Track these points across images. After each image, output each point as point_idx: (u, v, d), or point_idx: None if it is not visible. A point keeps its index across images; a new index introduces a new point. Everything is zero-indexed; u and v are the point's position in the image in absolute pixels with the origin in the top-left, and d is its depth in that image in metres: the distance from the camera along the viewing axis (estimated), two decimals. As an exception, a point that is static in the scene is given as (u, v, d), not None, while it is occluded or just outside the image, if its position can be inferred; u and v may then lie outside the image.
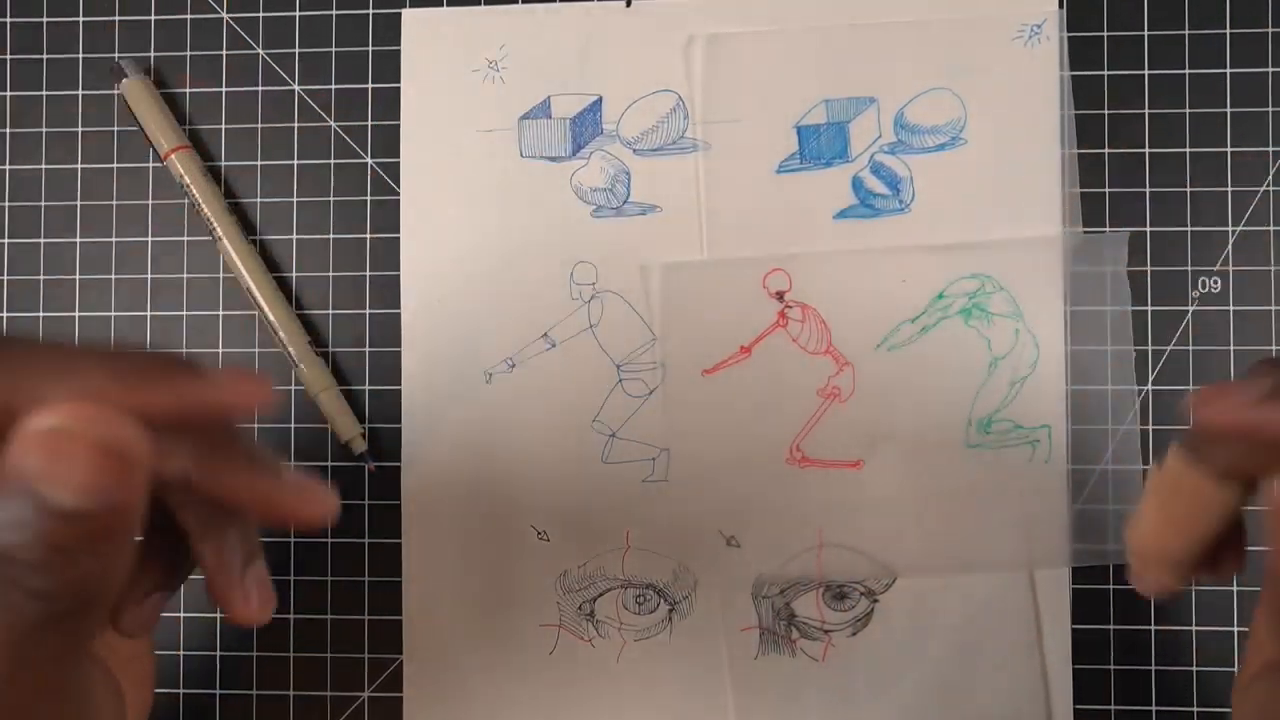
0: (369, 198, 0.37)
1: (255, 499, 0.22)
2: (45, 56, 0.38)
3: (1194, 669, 0.35)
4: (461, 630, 0.36)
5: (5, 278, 0.38)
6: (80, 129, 0.38)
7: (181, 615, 0.37)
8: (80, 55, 0.38)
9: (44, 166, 0.38)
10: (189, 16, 0.38)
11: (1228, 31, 0.36)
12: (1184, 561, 0.25)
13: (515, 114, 0.37)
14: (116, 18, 0.38)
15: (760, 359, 0.36)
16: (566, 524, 0.36)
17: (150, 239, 0.38)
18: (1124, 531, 0.26)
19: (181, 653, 0.37)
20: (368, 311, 0.37)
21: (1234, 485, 0.23)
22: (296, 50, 0.38)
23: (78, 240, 0.38)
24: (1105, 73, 0.36)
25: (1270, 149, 0.36)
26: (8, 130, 0.38)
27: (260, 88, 0.38)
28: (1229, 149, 0.36)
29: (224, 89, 0.38)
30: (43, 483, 0.17)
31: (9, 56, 0.38)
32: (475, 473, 0.36)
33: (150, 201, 0.38)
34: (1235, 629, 0.35)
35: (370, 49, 0.38)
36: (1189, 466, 0.24)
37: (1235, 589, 0.35)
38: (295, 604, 0.37)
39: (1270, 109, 0.36)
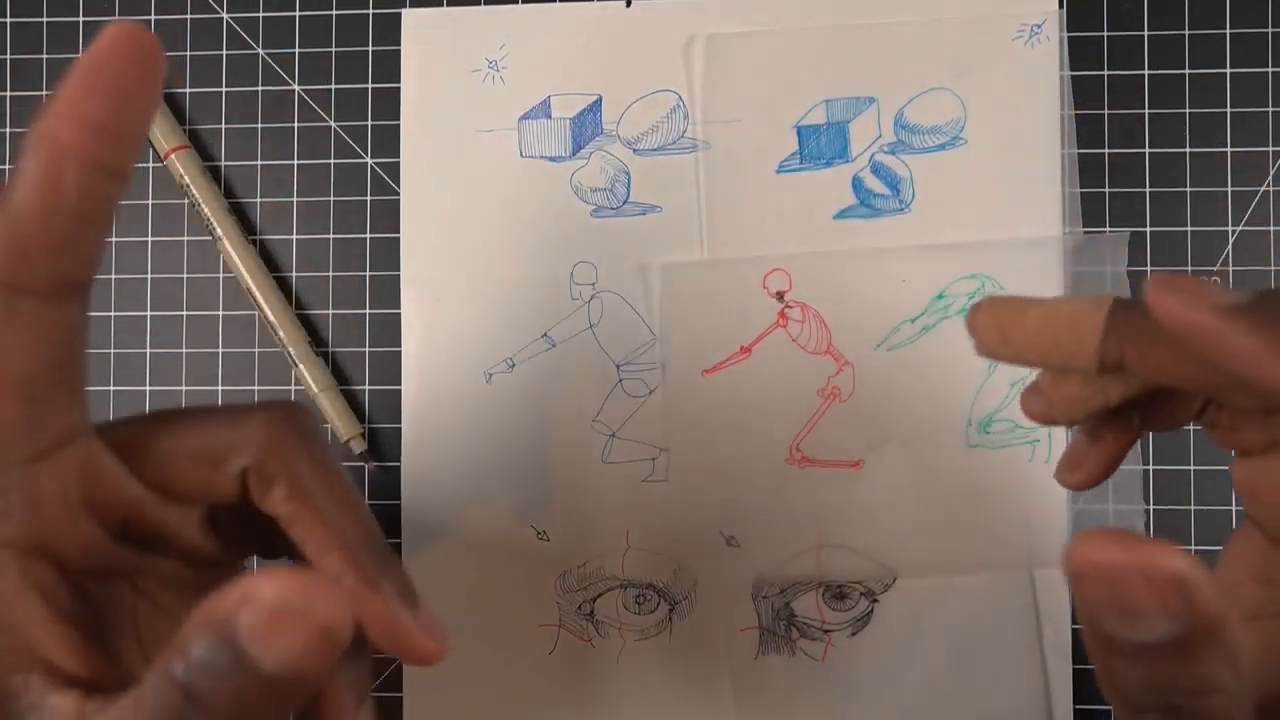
0: (369, 198, 0.37)
1: (393, 638, 0.22)
2: (45, 56, 0.38)
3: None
4: (461, 630, 0.36)
5: (5, 278, 0.38)
6: (80, 129, 0.38)
7: (181, 615, 0.37)
8: (80, 55, 0.38)
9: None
10: (189, 16, 0.38)
11: (1228, 31, 0.36)
12: (996, 356, 0.23)
13: (515, 114, 0.37)
14: (116, 18, 0.38)
15: (760, 359, 0.36)
16: (566, 524, 0.36)
17: (150, 239, 0.38)
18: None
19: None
20: (368, 311, 0.37)
21: (1104, 360, 0.22)
22: (296, 50, 0.38)
23: (78, 240, 0.38)
24: (1105, 73, 0.36)
25: (1270, 149, 0.36)
26: (8, 130, 0.38)
27: (260, 88, 0.38)
28: (1229, 149, 0.36)
29: (224, 89, 0.38)
30: (253, 645, 0.17)
31: (9, 56, 0.38)
32: (475, 473, 0.36)
33: (150, 201, 0.38)
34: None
35: (370, 49, 0.38)
36: (1099, 311, 0.22)
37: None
38: (295, 604, 0.37)
39: (1270, 109, 0.36)
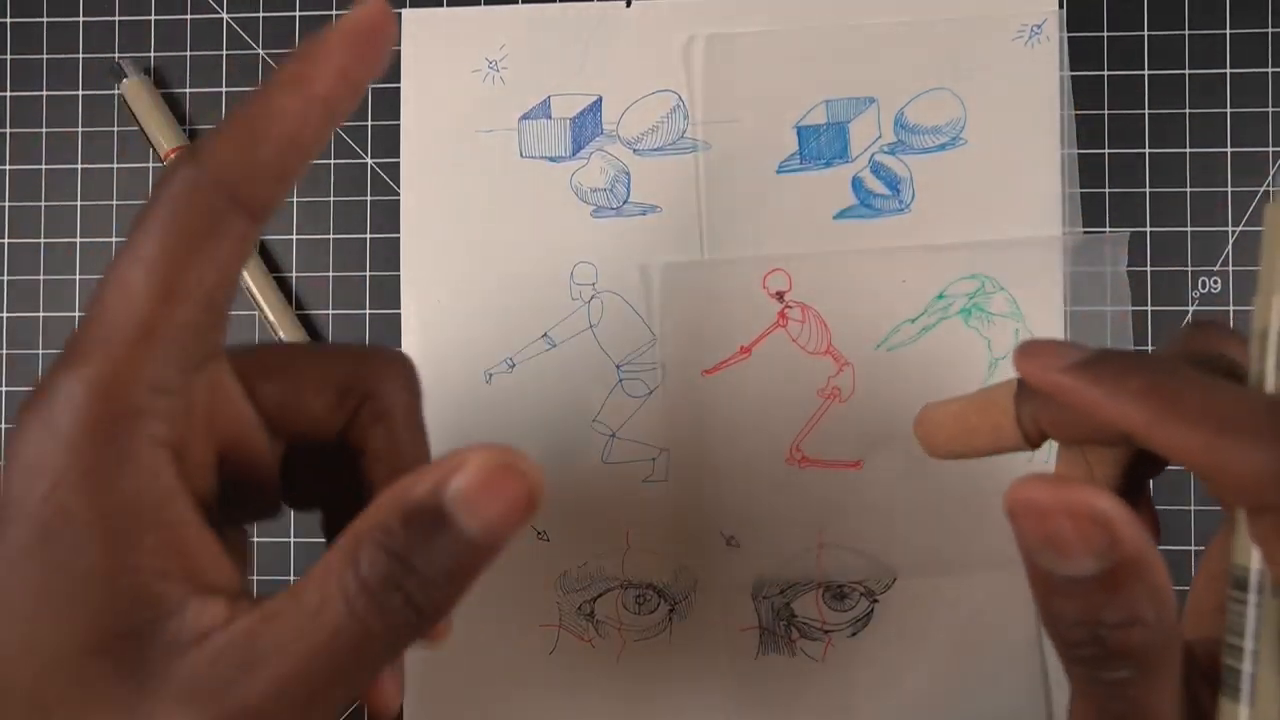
0: (369, 198, 0.37)
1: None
2: (45, 56, 0.38)
3: (1194, 669, 0.35)
4: (462, 630, 0.36)
5: (5, 278, 0.38)
6: (80, 129, 0.38)
7: (181, 615, 0.37)
8: (80, 55, 0.38)
9: (44, 166, 0.38)
10: (189, 16, 0.38)
11: (1228, 31, 0.36)
12: (944, 455, 0.26)
13: (515, 114, 0.37)
14: (116, 18, 0.38)
15: (760, 359, 0.36)
16: (566, 524, 0.36)
17: (150, 239, 0.38)
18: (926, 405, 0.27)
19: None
20: (368, 311, 0.37)
21: (1026, 434, 0.24)
22: (296, 50, 0.38)
23: (78, 240, 0.38)
24: (1105, 73, 0.36)
25: (1270, 149, 0.36)
26: (8, 130, 0.38)
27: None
28: (1229, 149, 0.36)
29: (224, 89, 0.38)
30: (461, 507, 0.19)
31: (9, 56, 0.38)
32: (475, 473, 0.36)
33: (150, 201, 0.38)
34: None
35: (370, 49, 0.38)
36: (1010, 393, 0.24)
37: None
38: (295, 604, 0.37)
39: (1270, 109, 0.36)
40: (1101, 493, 0.19)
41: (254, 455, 0.23)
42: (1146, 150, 0.36)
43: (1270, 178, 0.36)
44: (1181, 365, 0.20)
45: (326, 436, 0.24)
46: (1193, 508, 0.35)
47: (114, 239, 0.38)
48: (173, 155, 0.37)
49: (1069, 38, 0.36)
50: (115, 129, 0.38)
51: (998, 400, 0.24)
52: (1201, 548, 0.35)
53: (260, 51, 0.38)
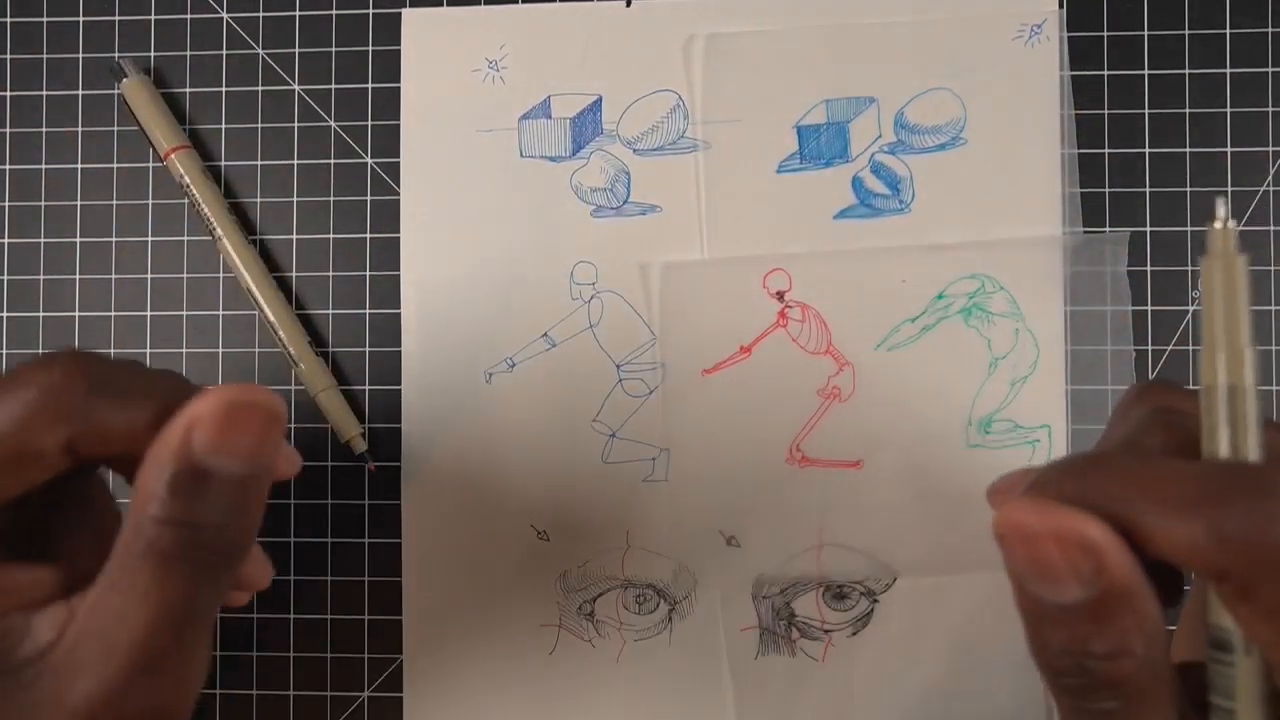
0: (369, 198, 0.37)
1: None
2: (45, 56, 0.38)
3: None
4: (461, 630, 0.36)
5: (5, 278, 0.38)
6: (80, 129, 0.38)
7: (181, 615, 0.37)
8: (80, 55, 0.38)
9: (44, 166, 0.38)
10: (189, 16, 0.38)
11: (1228, 31, 0.36)
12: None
13: (515, 114, 0.37)
14: (116, 18, 0.38)
15: (760, 359, 0.36)
16: (566, 524, 0.36)
17: (150, 239, 0.38)
18: None
19: (181, 653, 0.37)
20: (368, 311, 0.37)
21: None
22: (296, 50, 0.38)
23: (78, 240, 0.38)
24: (1105, 73, 0.36)
25: (1270, 149, 0.36)
26: (8, 130, 0.38)
27: (260, 88, 0.38)
28: (1229, 149, 0.36)
29: (224, 89, 0.38)
30: (214, 457, 0.20)
31: (9, 56, 0.38)
32: (475, 473, 0.36)
33: (150, 201, 0.38)
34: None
35: (370, 49, 0.38)
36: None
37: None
38: (295, 604, 0.37)
39: (1270, 109, 0.36)
40: (1091, 520, 0.18)
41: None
42: (1146, 150, 0.36)
43: (1270, 177, 0.36)
44: (1105, 455, 0.20)
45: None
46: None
47: (114, 239, 0.38)
48: (172, 155, 0.37)
49: (1069, 38, 0.36)
50: (115, 129, 0.38)
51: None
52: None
53: (260, 51, 0.38)
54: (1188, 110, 0.36)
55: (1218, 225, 0.21)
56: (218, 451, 0.20)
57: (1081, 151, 0.36)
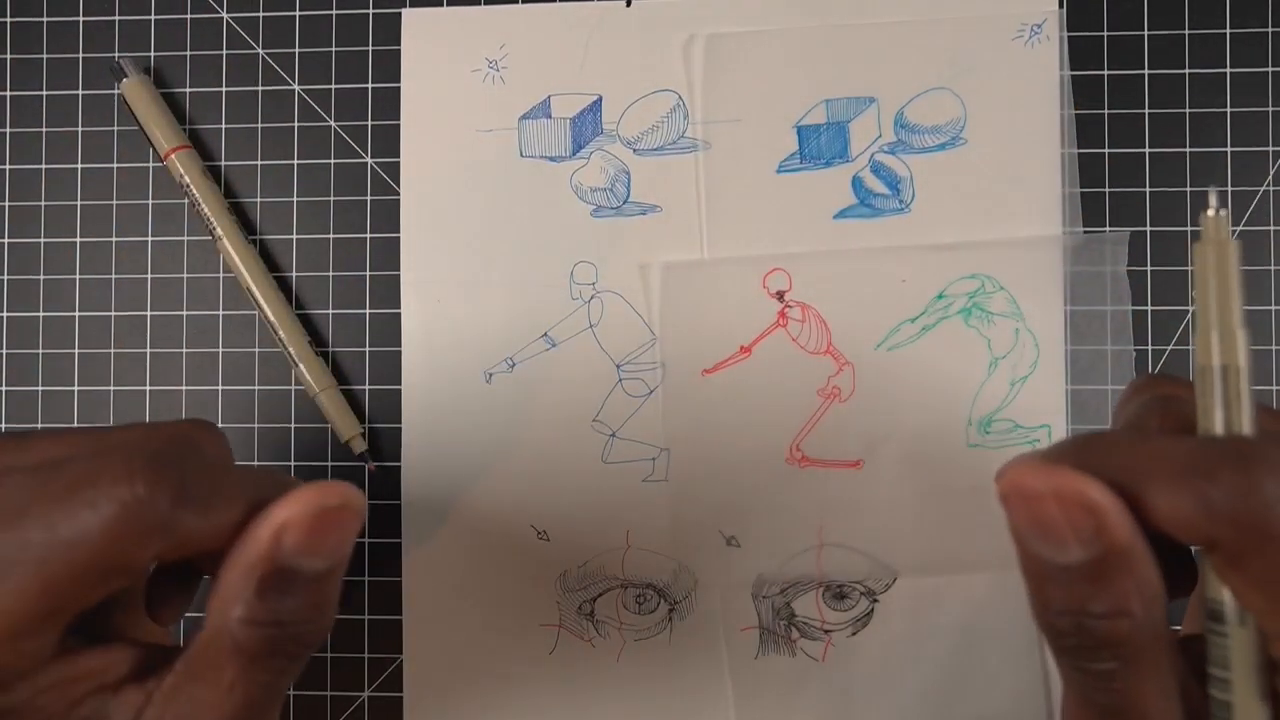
0: (369, 198, 0.37)
1: None
2: (45, 56, 0.38)
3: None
4: (461, 630, 0.36)
5: (5, 278, 0.38)
6: (80, 129, 0.38)
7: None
8: (80, 55, 0.38)
9: (44, 166, 0.38)
10: (189, 16, 0.38)
11: (1228, 31, 0.36)
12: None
13: (515, 114, 0.37)
14: (116, 18, 0.38)
15: (760, 359, 0.36)
16: (566, 524, 0.36)
17: (150, 239, 0.38)
18: None
19: (181, 653, 0.37)
20: (368, 311, 0.37)
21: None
22: (296, 50, 0.38)
23: (78, 240, 0.38)
24: (1105, 73, 0.36)
25: (1270, 149, 0.36)
26: (8, 130, 0.38)
27: (260, 88, 0.38)
28: (1229, 149, 0.36)
29: (224, 89, 0.38)
30: (301, 559, 0.20)
31: (9, 56, 0.38)
32: (475, 473, 0.36)
33: (150, 201, 0.38)
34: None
35: (370, 49, 0.38)
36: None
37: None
38: (295, 604, 0.37)
39: (1270, 109, 0.36)
40: (1093, 481, 0.19)
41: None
42: (1146, 150, 0.36)
43: (1270, 177, 0.36)
44: (1105, 432, 0.21)
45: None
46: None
47: (114, 239, 0.38)
48: (172, 155, 0.37)
49: (1069, 37, 0.36)
50: (115, 129, 0.38)
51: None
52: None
53: (260, 51, 0.38)
54: (1188, 110, 0.36)
55: (1210, 213, 0.21)
56: (306, 554, 0.20)
57: (1081, 151, 0.36)
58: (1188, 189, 0.36)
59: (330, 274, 0.37)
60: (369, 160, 0.38)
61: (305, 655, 0.22)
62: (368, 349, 0.37)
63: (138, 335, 0.38)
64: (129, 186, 0.38)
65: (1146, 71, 0.36)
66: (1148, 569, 0.19)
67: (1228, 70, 0.36)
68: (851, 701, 0.36)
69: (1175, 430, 0.22)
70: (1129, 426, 0.22)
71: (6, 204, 0.38)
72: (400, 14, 0.37)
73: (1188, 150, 0.36)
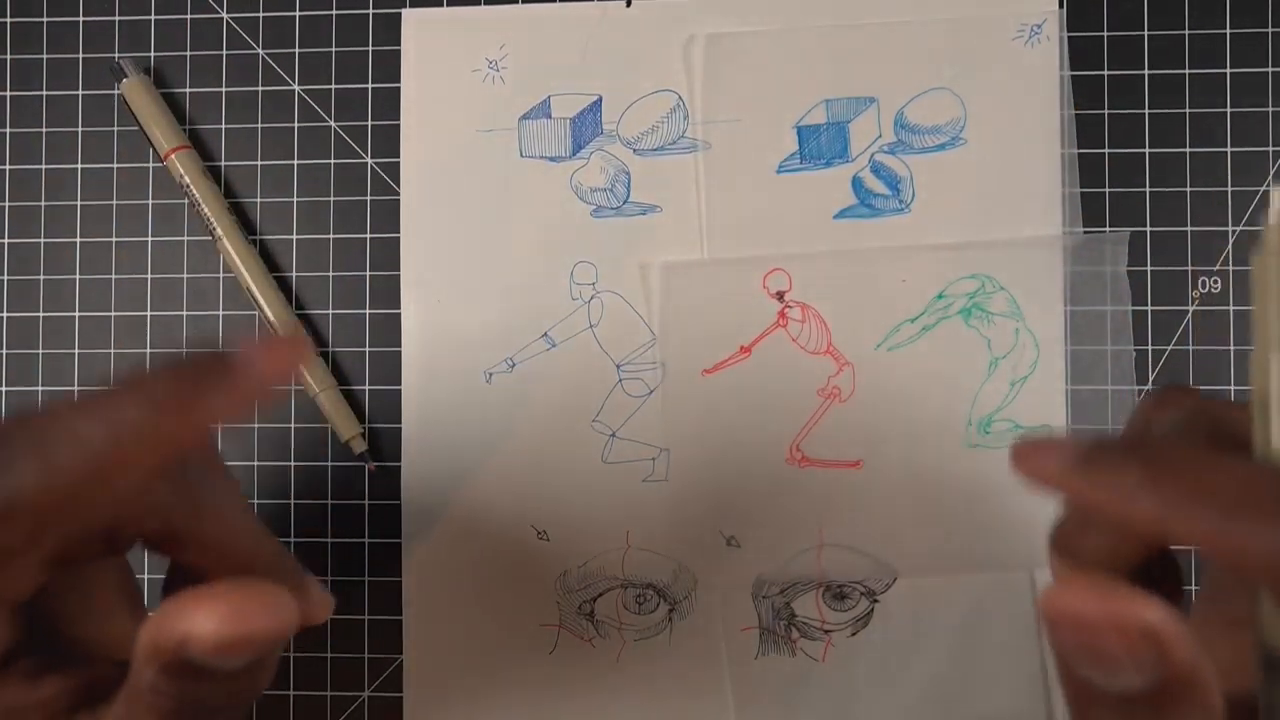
0: (369, 198, 0.37)
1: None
2: (45, 56, 0.38)
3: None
4: (461, 630, 0.36)
5: (5, 278, 0.38)
6: (80, 129, 0.38)
7: (181, 615, 0.37)
8: (80, 55, 0.38)
9: (44, 166, 0.38)
10: (189, 16, 0.38)
11: (1228, 31, 0.36)
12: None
13: (515, 114, 0.37)
14: (116, 18, 0.38)
15: (760, 359, 0.36)
16: (566, 524, 0.36)
17: (150, 239, 0.38)
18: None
19: (181, 653, 0.37)
20: (368, 311, 0.37)
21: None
22: (296, 50, 0.38)
23: (78, 240, 0.38)
24: (1105, 73, 0.36)
25: (1270, 149, 0.36)
26: (8, 130, 0.38)
27: (260, 88, 0.38)
28: (1229, 149, 0.36)
29: (224, 89, 0.38)
30: (212, 661, 0.19)
31: (9, 56, 0.38)
32: (475, 473, 0.36)
33: (150, 201, 0.38)
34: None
35: (370, 49, 0.38)
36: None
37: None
38: (295, 604, 0.37)
39: (1270, 109, 0.36)
40: (1151, 602, 0.17)
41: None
42: (1146, 150, 0.36)
43: (1270, 177, 0.36)
44: (1178, 444, 0.19)
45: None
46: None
47: (114, 239, 0.38)
48: (172, 155, 0.37)
49: (1069, 38, 0.36)
50: (115, 129, 0.38)
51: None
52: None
53: (260, 51, 0.38)
54: (1188, 110, 0.36)
55: (1273, 221, 0.19)
56: (215, 660, 0.18)
57: (1081, 151, 0.36)
58: (1188, 189, 0.36)
59: (330, 274, 0.37)
60: (369, 160, 0.38)
61: (234, 711, 0.20)
62: (368, 349, 0.37)
63: (138, 335, 0.38)
64: (129, 186, 0.38)
65: (1146, 71, 0.36)
66: (1213, 695, 0.17)
67: (1228, 70, 0.36)
68: (851, 701, 0.36)
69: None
70: (1175, 443, 0.20)
71: (6, 204, 0.38)
72: (400, 14, 0.37)
73: (1188, 150, 0.36)
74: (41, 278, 0.38)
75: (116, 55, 0.38)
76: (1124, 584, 0.17)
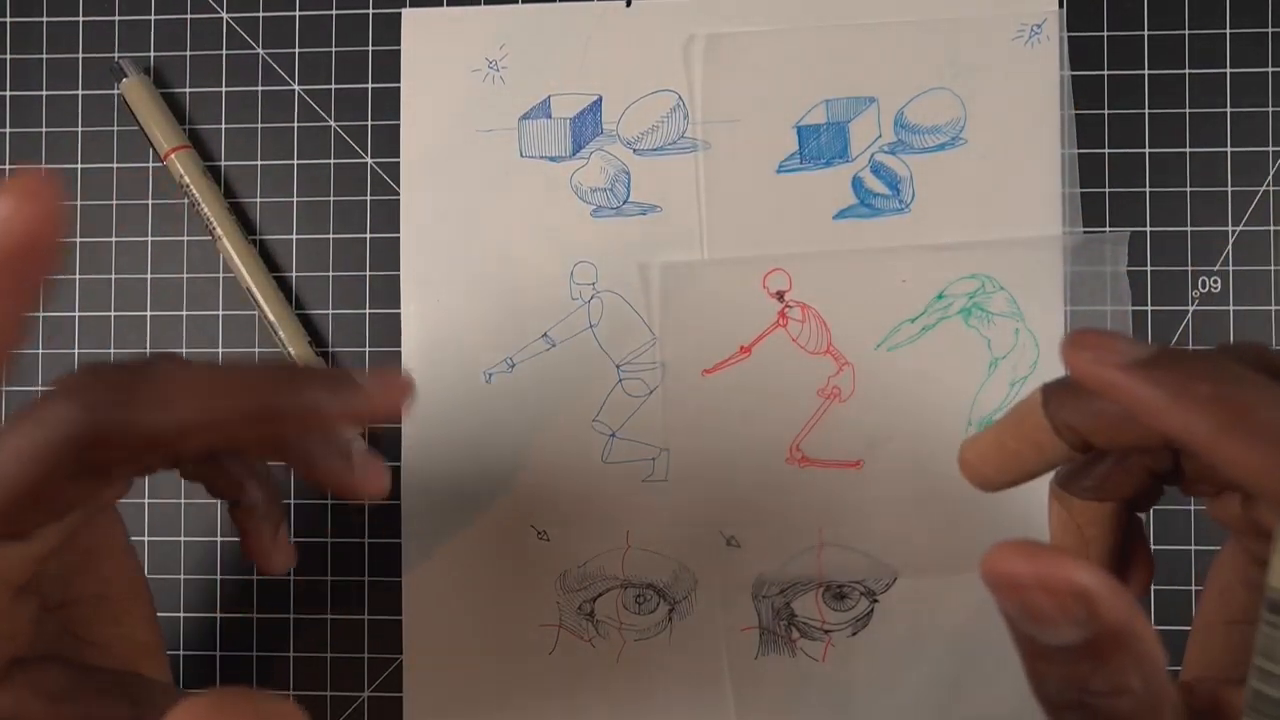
0: (369, 198, 0.37)
1: (331, 481, 0.25)
2: (45, 56, 0.38)
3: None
4: (461, 630, 0.36)
5: (5, 278, 0.38)
6: (80, 129, 0.38)
7: (182, 615, 0.37)
8: (80, 55, 0.38)
9: (44, 166, 0.38)
10: (189, 16, 0.38)
11: (1228, 31, 0.36)
12: (998, 486, 0.24)
13: (515, 114, 0.37)
14: (116, 18, 0.38)
15: (760, 359, 0.36)
16: (566, 524, 0.36)
17: (150, 239, 0.38)
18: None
19: (182, 652, 0.37)
20: (368, 311, 0.37)
21: (1070, 443, 0.23)
22: (296, 50, 0.38)
23: (78, 240, 0.38)
24: (1105, 73, 0.36)
25: (1270, 149, 0.36)
26: (8, 130, 0.38)
27: (260, 88, 0.38)
28: (1229, 149, 0.36)
29: (224, 89, 0.38)
30: None
31: (9, 56, 0.38)
32: (475, 473, 0.36)
33: (150, 201, 0.38)
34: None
35: (370, 49, 0.38)
36: (1038, 406, 0.23)
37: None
38: (295, 604, 0.37)
39: (1270, 109, 0.36)
40: (1080, 564, 0.18)
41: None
42: (1146, 150, 0.36)
43: (1270, 177, 0.36)
44: (1250, 373, 0.19)
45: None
46: (1193, 508, 0.35)
47: (114, 239, 0.38)
48: (172, 155, 0.37)
49: (1069, 38, 0.36)
50: (115, 129, 0.38)
51: (1028, 416, 0.23)
52: (1201, 547, 0.35)
53: (260, 51, 0.38)
54: (1188, 110, 0.36)
55: None
56: None
57: (1081, 151, 0.36)
58: (1188, 189, 0.36)
59: (330, 274, 0.37)
60: (369, 160, 0.38)
61: None
62: (367, 349, 0.37)
63: (138, 335, 0.38)
64: (129, 186, 0.38)
65: (1146, 71, 0.36)
66: (1148, 644, 0.18)
67: (1228, 70, 0.36)
68: (851, 701, 0.36)
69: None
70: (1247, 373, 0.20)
71: (6, 204, 0.38)
72: (400, 14, 0.37)
73: (1188, 150, 0.36)
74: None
75: (116, 55, 0.38)
76: (1052, 550, 0.18)
